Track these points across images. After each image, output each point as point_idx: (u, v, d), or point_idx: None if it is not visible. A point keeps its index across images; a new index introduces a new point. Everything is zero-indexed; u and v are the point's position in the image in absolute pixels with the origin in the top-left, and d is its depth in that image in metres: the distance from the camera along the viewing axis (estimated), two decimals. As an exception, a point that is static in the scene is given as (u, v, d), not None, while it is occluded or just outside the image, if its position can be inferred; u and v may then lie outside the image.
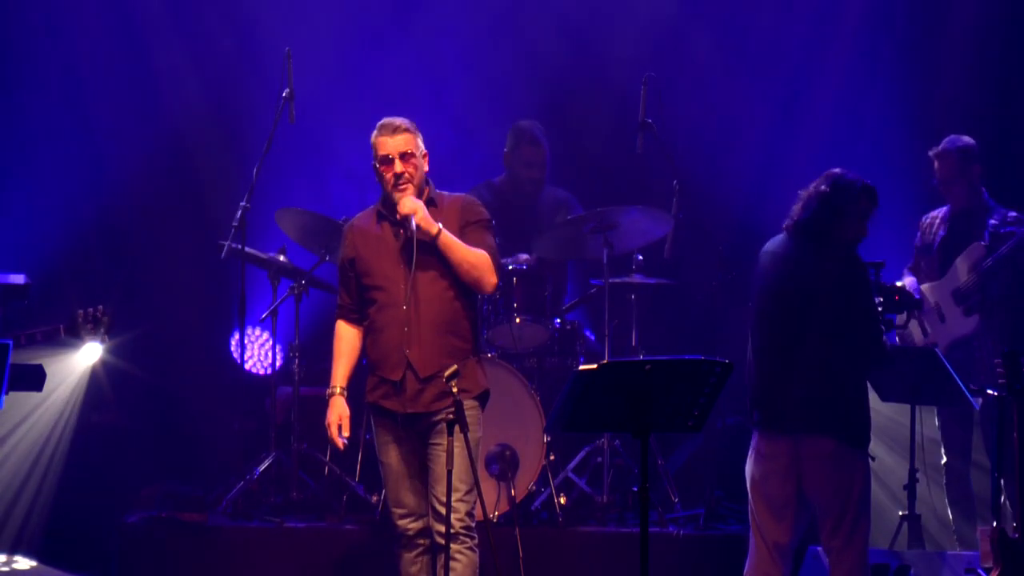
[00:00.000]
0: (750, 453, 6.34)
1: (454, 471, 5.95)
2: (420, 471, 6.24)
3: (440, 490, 6.08)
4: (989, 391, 6.82)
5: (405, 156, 6.21)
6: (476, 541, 6.23)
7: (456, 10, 9.73)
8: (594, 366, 5.24)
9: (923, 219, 8.19)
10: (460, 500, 6.12)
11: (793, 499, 6.25)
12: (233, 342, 9.33)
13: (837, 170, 6.35)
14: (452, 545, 6.10)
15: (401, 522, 6.29)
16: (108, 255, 9.41)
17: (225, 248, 8.07)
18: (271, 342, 8.79)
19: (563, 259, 8.84)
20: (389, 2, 9.78)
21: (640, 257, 8.61)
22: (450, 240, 6.20)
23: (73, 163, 9.34)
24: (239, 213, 7.92)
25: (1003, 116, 9.17)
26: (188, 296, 9.42)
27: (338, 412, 6.34)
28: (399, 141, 6.22)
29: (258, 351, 9.36)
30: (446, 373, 5.80)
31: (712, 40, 9.63)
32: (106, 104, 9.41)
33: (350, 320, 6.42)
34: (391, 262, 6.24)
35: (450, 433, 5.79)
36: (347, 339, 6.43)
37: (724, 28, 9.65)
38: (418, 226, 6.15)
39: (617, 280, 8.44)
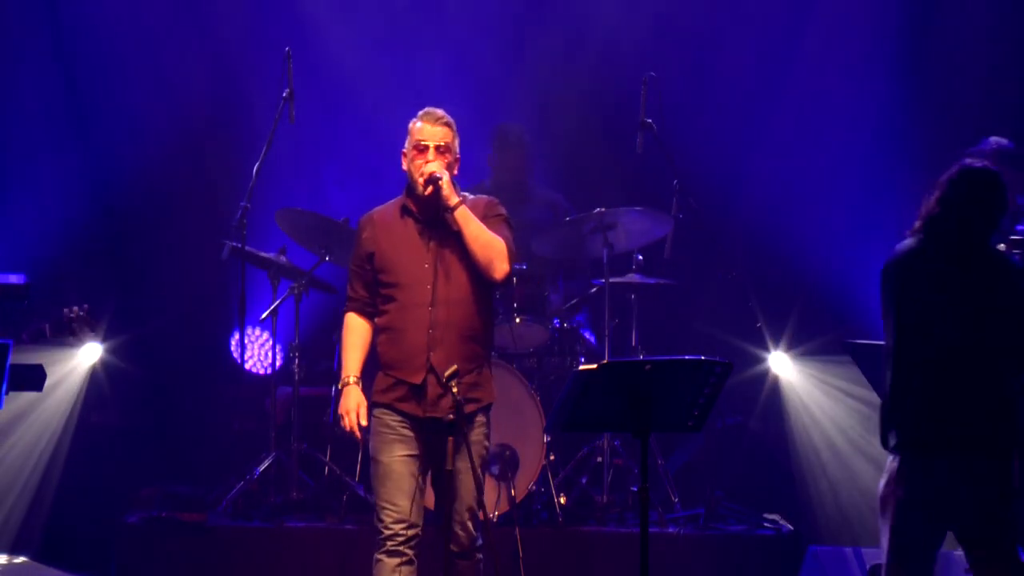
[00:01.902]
0: (889, 481, 5.55)
1: (468, 486, 5.94)
2: (419, 478, 6.07)
3: (459, 506, 5.99)
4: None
5: (441, 149, 6.10)
6: (481, 557, 6.14)
7: (455, 11, 9.72)
8: (594, 366, 5.24)
9: None
10: (472, 516, 6.04)
11: (943, 531, 5.61)
12: (233, 342, 9.33)
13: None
14: (463, 562, 6.06)
15: (394, 526, 5.98)
16: (108, 255, 9.41)
17: (225, 248, 8.08)
18: (271, 342, 8.79)
19: (563, 259, 8.84)
20: (389, 2, 9.78)
21: (640, 257, 8.61)
22: (468, 214, 6.06)
23: (73, 163, 9.34)
24: (239, 213, 7.91)
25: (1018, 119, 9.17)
26: (188, 296, 9.41)
27: (355, 399, 6.10)
28: (438, 132, 6.11)
29: (258, 351, 9.36)
30: (446, 373, 5.78)
31: (713, 40, 9.63)
32: (106, 105, 9.40)
33: (363, 313, 6.22)
34: (416, 260, 6.08)
35: (450, 433, 5.77)
36: (359, 331, 6.21)
37: (726, 28, 9.64)
38: (441, 188, 6.00)
39: (617, 280, 8.44)
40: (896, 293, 5.62)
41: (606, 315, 8.30)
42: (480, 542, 6.11)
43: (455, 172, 6.17)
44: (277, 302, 8.35)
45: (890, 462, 5.58)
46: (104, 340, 9.17)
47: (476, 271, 6.08)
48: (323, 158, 9.68)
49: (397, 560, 5.99)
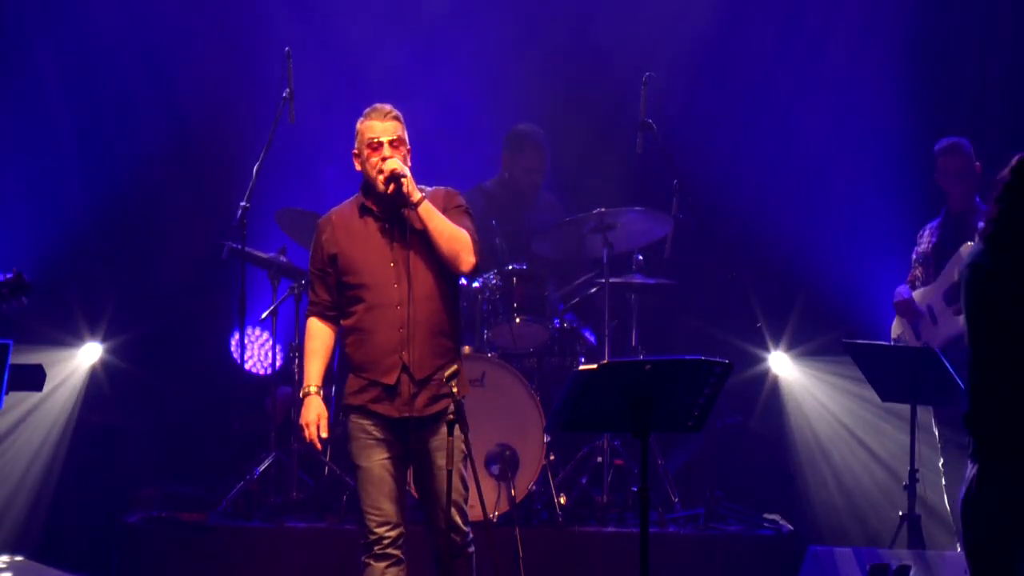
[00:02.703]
0: (971, 487, 5.21)
1: (454, 483, 5.88)
2: (401, 479, 6.05)
3: (446, 504, 5.93)
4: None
5: (394, 143, 6.01)
6: (473, 550, 6.14)
7: (456, 11, 9.73)
8: (594, 366, 5.24)
9: (920, 232, 8.21)
10: (460, 513, 6.02)
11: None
12: (233, 342, 9.33)
13: None
14: (456, 560, 6.02)
15: (379, 529, 5.96)
16: (108, 255, 9.41)
17: (225, 248, 8.08)
18: (271, 342, 8.79)
19: (563, 259, 8.84)
20: (389, 3, 9.78)
21: (640, 257, 8.62)
22: (432, 209, 5.98)
23: (73, 164, 9.34)
24: (239, 213, 7.91)
25: (1006, 119, 9.18)
26: (188, 296, 9.41)
27: (316, 411, 6.06)
28: (388, 127, 6.02)
29: (258, 351, 9.36)
30: (446, 373, 5.75)
31: (713, 39, 9.63)
32: (106, 104, 9.40)
33: (326, 318, 6.16)
34: (381, 260, 6.01)
35: (450, 433, 5.76)
36: (321, 338, 6.15)
37: (725, 27, 9.64)
38: (403, 185, 5.91)
39: (617, 280, 8.45)
40: (966, 302, 5.38)
41: (606, 315, 8.30)
42: (471, 537, 6.11)
43: (409, 164, 6.07)
44: (277, 302, 8.36)
45: (970, 468, 5.27)
46: (104, 340, 9.18)
47: (441, 265, 6.03)
48: (323, 158, 9.68)
49: (385, 563, 6.00)
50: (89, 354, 9.14)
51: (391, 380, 5.99)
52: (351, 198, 6.19)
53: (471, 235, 6.05)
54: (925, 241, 8.12)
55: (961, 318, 7.71)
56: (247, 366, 9.18)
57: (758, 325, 8.46)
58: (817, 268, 9.31)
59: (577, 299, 8.73)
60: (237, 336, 8.70)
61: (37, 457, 8.82)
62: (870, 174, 9.39)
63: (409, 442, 6.03)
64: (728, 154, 9.49)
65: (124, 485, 8.55)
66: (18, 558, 7.82)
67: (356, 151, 6.10)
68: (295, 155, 9.30)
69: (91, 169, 9.36)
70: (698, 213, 8.16)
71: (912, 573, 7.06)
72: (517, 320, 8.25)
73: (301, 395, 6.13)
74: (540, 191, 9.20)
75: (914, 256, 8.17)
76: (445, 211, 6.06)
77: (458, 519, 6.03)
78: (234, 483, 8.17)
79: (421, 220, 5.99)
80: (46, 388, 8.10)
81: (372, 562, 6.00)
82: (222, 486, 8.30)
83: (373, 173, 6.02)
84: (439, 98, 9.54)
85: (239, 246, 7.96)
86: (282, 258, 8.39)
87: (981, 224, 7.74)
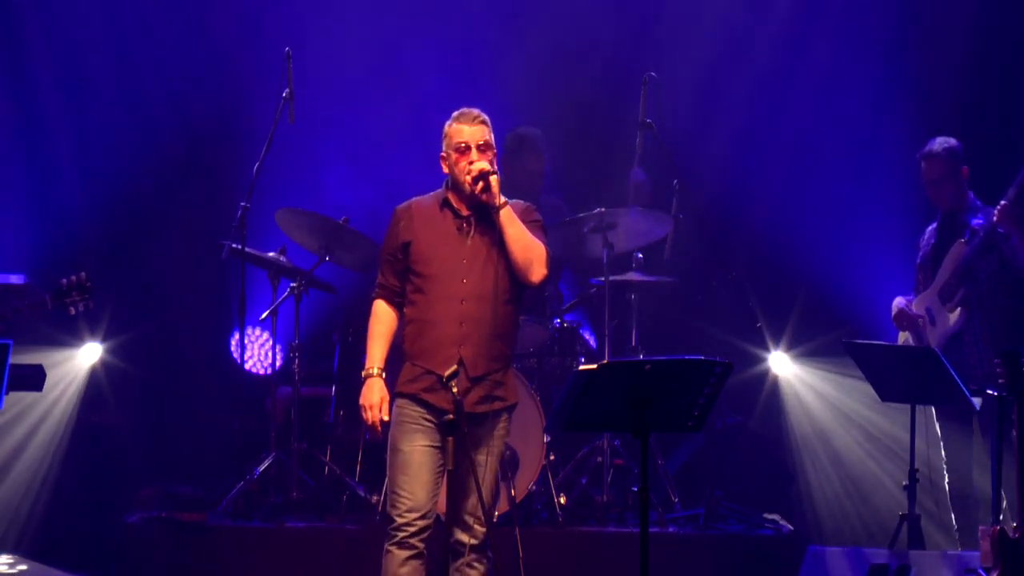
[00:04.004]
0: None
1: (488, 482, 5.93)
2: (438, 472, 6.05)
3: (473, 500, 5.97)
4: (989, 391, 6.81)
5: (482, 147, 6.11)
6: (492, 556, 6.13)
7: (455, 10, 9.73)
8: (594, 366, 5.24)
9: (920, 238, 8.22)
10: (487, 512, 6.03)
11: None
12: (233, 342, 9.34)
13: None
14: (474, 553, 6.02)
15: (408, 515, 5.99)
16: (108, 255, 9.41)
17: (225, 248, 8.08)
18: (271, 342, 8.79)
19: (563, 259, 8.84)
20: (389, 3, 9.78)
21: (640, 256, 8.62)
22: (513, 215, 6.09)
23: (73, 164, 9.34)
24: (239, 213, 7.91)
25: (1001, 117, 9.18)
26: (188, 296, 9.42)
27: (378, 393, 6.10)
28: (477, 132, 6.12)
29: (258, 351, 9.36)
30: (446, 373, 5.78)
31: (714, 39, 9.63)
32: (106, 105, 9.41)
33: (392, 303, 6.22)
34: (453, 255, 6.10)
35: (449, 434, 5.77)
36: (386, 321, 6.22)
37: (726, 27, 9.64)
38: (492, 184, 6.02)
39: (617, 279, 8.44)
40: None
41: (606, 315, 8.30)
42: (490, 541, 6.09)
43: (495, 167, 6.16)
44: (277, 302, 8.35)
45: None
46: (104, 340, 9.18)
47: (511, 271, 6.12)
48: (323, 158, 9.68)
49: (407, 552, 5.99)
50: (89, 354, 9.14)
51: (446, 371, 5.96)
52: (432, 193, 6.27)
53: (546, 248, 6.15)
54: (924, 246, 8.12)
55: (955, 314, 7.75)
56: (247, 366, 9.18)
57: (758, 325, 8.46)
58: (817, 268, 9.31)
59: (577, 299, 8.72)
60: (237, 336, 8.70)
61: (37, 457, 8.82)
62: (871, 173, 9.40)
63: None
64: (728, 154, 9.50)
65: (124, 485, 8.55)
66: (18, 557, 7.82)
67: (444, 154, 6.19)
68: (295, 155, 9.30)
69: (91, 169, 9.35)
70: (698, 213, 8.16)
71: (912, 573, 7.07)
72: (517, 320, 8.25)
73: (363, 376, 6.16)
74: (543, 193, 9.20)
75: (918, 261, 8.18)
76: (522, 223, 6.14)
77: (483, 516, 6.01)
78: (234, 483, 8.17)
79: (501, 224, 6.07)
80: (46, 388, 8.10)
81: (394, 550, 6.00)
82: (222, 486, 8.30)
83: (462, 176, 6.11)
84: (440, 98, 9.53)
85: (239, 246, 7.96)
86: (282, 258, 8.39)
87: (975, 220, 7.79)
